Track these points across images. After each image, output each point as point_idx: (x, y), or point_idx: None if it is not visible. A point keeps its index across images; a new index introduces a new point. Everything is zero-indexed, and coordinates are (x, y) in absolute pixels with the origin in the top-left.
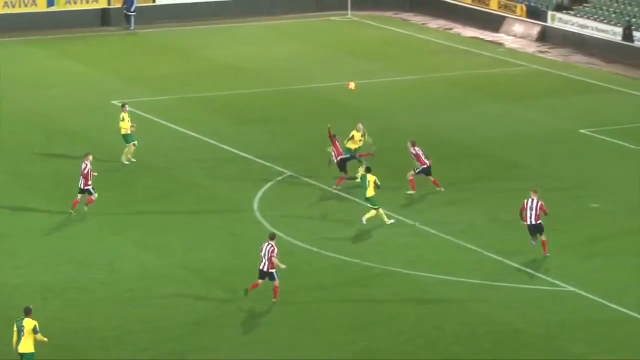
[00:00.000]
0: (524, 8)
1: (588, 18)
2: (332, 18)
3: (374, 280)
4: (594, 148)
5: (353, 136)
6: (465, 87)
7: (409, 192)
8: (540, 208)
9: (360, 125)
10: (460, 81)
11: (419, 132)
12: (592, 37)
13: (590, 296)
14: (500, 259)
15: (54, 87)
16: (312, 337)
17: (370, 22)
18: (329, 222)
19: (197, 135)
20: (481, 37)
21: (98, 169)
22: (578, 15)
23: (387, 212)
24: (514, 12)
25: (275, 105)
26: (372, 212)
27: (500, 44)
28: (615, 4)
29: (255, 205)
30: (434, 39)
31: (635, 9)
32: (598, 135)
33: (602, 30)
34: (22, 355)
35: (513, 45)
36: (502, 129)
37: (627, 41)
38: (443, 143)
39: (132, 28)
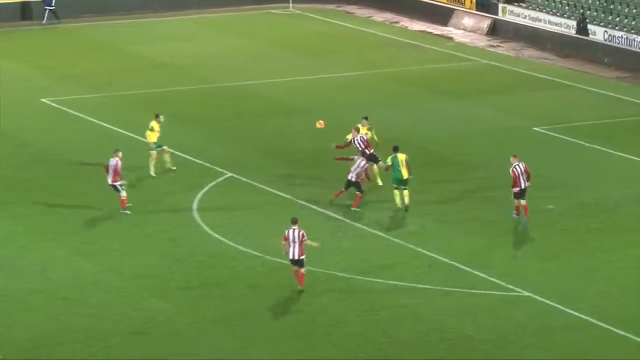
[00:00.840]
0: (474, 0)
1: (541, 11)
2: (272, 11)
3: (317, 285)
4: (548, 146)
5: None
6: (412, 83)
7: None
8: (526, 171)
9: (364, 121)
10: (407, 77)
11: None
12: (545, 30)
13: (546, 301)
14: (452, 263)
15: None
16: (255, 346)
17: (312, 15)
18: (270, 225)
19: (130, 135)
20: (429, 30)
21: (26, 172)
22: (530, 7)
23: (331, 213)
24: (463, 4)
25: (212, 103)
26: (407, 194)
27: (449, 38)
28: None
29: (195, 207)
30: (379, 33)
31: (590, 0)
32: (552, 133)
33: (556, 24)
34: None
35: (462, 40)
36: (453, 127)
37: (582, 35)
38: (391, 142)
39: (44, 22)
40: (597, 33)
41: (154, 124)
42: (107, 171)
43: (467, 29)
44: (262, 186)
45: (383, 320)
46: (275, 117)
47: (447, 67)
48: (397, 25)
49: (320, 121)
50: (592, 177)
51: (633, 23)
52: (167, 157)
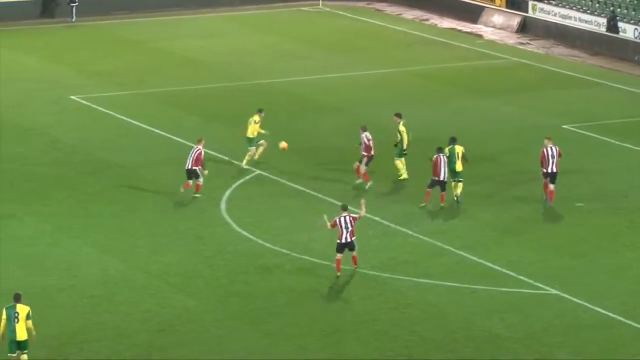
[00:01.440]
0: None
1: (571, 8)
2: (302, 9)
3: (345, 283)
4: (578, 144)
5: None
6: (442, 81)
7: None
8: (559, 155)
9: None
10: (436, 75)
11: (392, 127)
12: (575, 28)
13: (574, 299)
14: (480, 260)
15: (7, 82)
16: (283, 343)
17: (342, 13)
18: (298, 223)
19: (160, 132)
20: (459, 28)
21: (55, 168)
22: (560, 5)
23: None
24: (493, 2)
25: (240, 100)
26: (461, 185)
27: (479, 36)
28: None
29: (223, 205)
30: (409, 31)
31: None
32: (582, 131)
33: (586, 21)
34: (19, 343)
35: (492, 37)
36: (482, 124)
37: (612, 32)
38: (419, 139)
39: (73, 20)
40: (628, 31)
41: (256, 117)
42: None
43: (496, 26)
44: (290, 184)
45: (410, 318)
46: (305, 115)
47: (476, 64)
48: (426, 22)
49: (283, 142)
50: (622, 175)
51: None
52: (260, 151)
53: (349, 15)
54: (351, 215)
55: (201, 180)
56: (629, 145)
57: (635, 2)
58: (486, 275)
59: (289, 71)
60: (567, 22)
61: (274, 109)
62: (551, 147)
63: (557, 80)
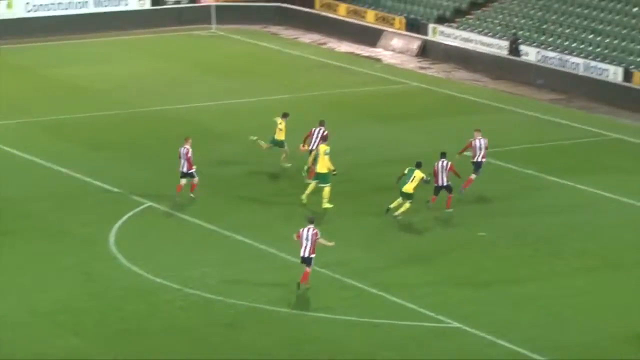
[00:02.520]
0: (403, 21)
1: (472, 31)
2: (195, 32)
3: (240, 319)
4: (485, 171)
5: None
6: (340, 106)
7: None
8: (486, 147)
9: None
10: (334, 100)
11: (289, 154)
12: (476, 51)
13: (478, 333)
14: (381, 293)
15: None
16: None
17: (236, 37)
18: (190, 256)
19: (43, 163)
20: (357, 52)
21: None
22: (461, 28)
23: (255, 243)
24: (392, 25)
25: (130, 128)
26: (407, 205)
27: (378, 60)
28: (501, 16)
29: (112, 239)
30: (306, 55)
31: (522, 20)
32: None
33: (487, 44)
34: None
35: (392, 61)
36: (383, 151)
37: (514, 56)
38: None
39: None
40: (530, 54)
41: (280, 120)
42: (180, 158)
43: (396, 50)
44: (183, 216)
45: (310, 354)
46: (200, 143)
47: (376, 89)
48: (324, 46)
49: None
50: (525, 203)
51: (566, 44)
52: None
53: (244, 39)
54: (315, 230)
55: (196, 179)
56: (531, 172)
57: (538, 24)
58: (387, 308)
59: (182, 97)
60: (468, 46)
61: (166, 137)
62: (479, 140)
63: (458, 105)
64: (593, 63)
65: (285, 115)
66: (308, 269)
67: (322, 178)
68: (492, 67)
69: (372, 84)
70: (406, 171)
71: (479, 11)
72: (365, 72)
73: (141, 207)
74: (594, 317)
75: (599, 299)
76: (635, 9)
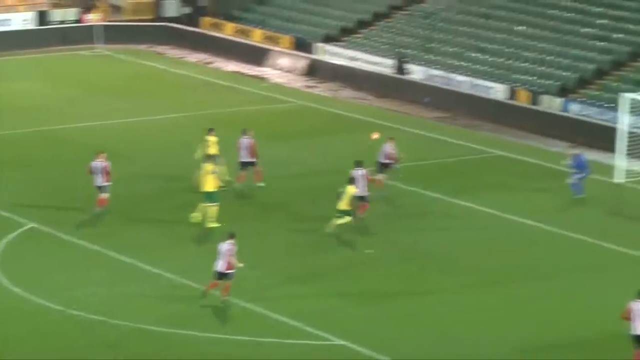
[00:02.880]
0: (290, 40)
1: (359, 50)
2: (80, 52)
3: (123, 339)
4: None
5: None
6: (227, 125)
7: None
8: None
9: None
10: (222, 119)
11: (176, 174)
12: (362, 70)
13: (361, 349)
14: (265, 311)
15: None
16: None
17: (122, 57)
18: (75, 277)
19: None
20: (244, 71)
21: None
22: (348, 47)
23: (139, 262)
24: (279, 44)
25: (15, 149)
26: (342, 221)
27: (264, 79)
28: (388, 35)
29: None
30: (193, 74)
31: (408, 40)
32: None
33: (373, 63)
34: None
35: (279, 80)
36: (270, 170)
37: (400, 74)
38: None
39: None
40: (416, 72)
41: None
42: (92, 173)
43: (283, 69)
44: (66, 237)
45: None
46: (85, 163)
47: (263, 108)
48: (210, 66)
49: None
50: (411, 220)
51: (452, 62)
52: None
53: (129, 58)
54: (232, 246)
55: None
56: (417, 189)
57: (423, 43)
58: (272, 327)
59: (69, 117)
60: (354, 64)
61: (49, 157)
62: (390, 145)
63: (344, 124)
64: (478, 81)
65: (211, 130)
66: (228, 283)
67: (209, 197)
68: (378, 85)
69: (259, 103)
70: (341, 189)
71: (366, 30)
72: (252, 91)
73: (24, 228)
74: (480, 333)
75: (485, 315)
76: (518, 28)
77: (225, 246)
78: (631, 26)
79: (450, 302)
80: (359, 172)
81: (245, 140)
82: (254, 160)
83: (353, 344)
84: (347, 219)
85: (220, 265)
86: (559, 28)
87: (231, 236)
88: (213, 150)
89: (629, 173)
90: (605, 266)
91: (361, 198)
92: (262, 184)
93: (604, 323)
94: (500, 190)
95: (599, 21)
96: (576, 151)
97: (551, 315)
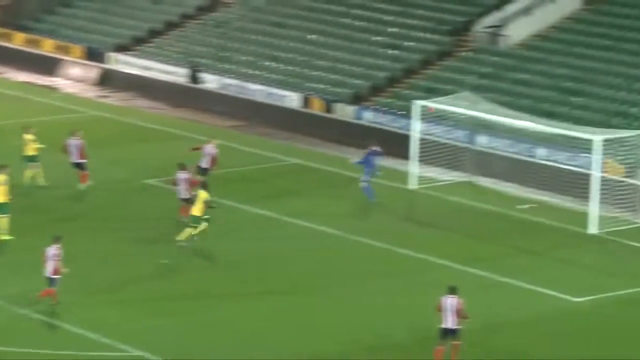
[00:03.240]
0: (82, 50)
1: (152, 60)
2: None
3: None
4: (158, 198)
5: None
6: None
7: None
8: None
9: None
10: (11, 130)
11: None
12: (156, 79)
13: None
14: (62, 324)
15: None
16: None
17: None
18: None
19: None
20: (35, 81)
21: None
22: (141, 56)
23: None
24: (70, 54)
25: None
26: (189, 231)
27: (56, 89)
28: (181, 44)
29: None
30: None
31: (202, 48)
32: (164, 185)
33: (168, 72)
34: None
35: (70, 90)
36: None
37: (195, 83)
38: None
39: None
40: (211, 82)
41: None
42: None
43: (75, 79)
44: None
45: None
46: None
47: (54, 119)
48: (0, 76)
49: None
50: (210, 229)
51: (246, 71)
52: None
53: None
54: (59, 250)
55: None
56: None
57: (217, 53)
58: (71, 340)
59: None
60: (148, 74)
61: None
62: (212, 147)
63: (138, 134)
64: (272, 90)
65: (28, 129)
66: (54, 289)
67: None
68: (172, 95)
69: (50, 114)
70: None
71: (159, 39)
72: (43, 102)
73: None
74: (277, 341)
75: (283, 323)
76: (311, 36)
77: (52, 250)
78: (421, 34)
79: (247, 311)
80: (182, 176)
81: (73, 142)
82: (84, 161)
83: (152, 355)
84: (203, 225)
85: (49, 271)
86: (351, 36)
87: (56, 240)
88: (31, 150)
89: (422, 179)
90: (399, 271)
91: (185, 200)
92: (85, 186)
93: (397, 328)
94: (297, 197)
95: (390, 29)
96: (368, 149)
97: (346, 321)
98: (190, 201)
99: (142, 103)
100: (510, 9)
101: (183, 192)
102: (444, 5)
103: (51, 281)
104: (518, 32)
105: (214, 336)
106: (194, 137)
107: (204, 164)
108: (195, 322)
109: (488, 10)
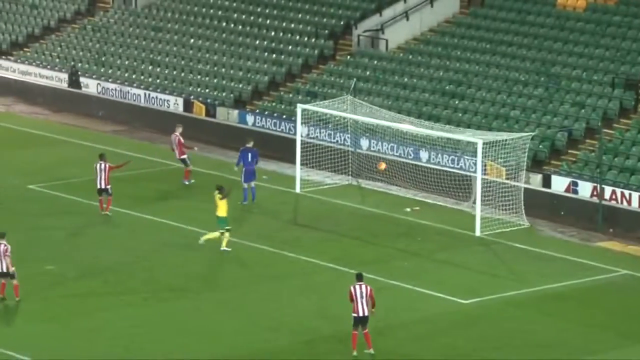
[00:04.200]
0: None
1: (30, 64)
2: None
3: None
4: (45, 204)
5: None
6: None
7: None
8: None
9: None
10: None
11: None
12: (36, 84)
13: None
14: None
15: None
16: None
17: None
18: None
19: None
20: None
21: None
22: (19, 61)
23: None
24: None
25: None
26: (227, 236)
27: None
28: (59, 48)
29: None
30: None
31: (81, 52)
32: (48, 191)
33: (47, 77)
34: None
35: None
36: None
37: (74, 88)
38: None
39: None
40: (90, 86)
41: None
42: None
43: None
44: None
45: None
46: None
47: None
48: None
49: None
50: (92, 235)
51: (126, 75)
52: None
53: None
54: (6, 245)
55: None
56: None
57: (97, 57)
58: None
59: None
60: (27, 78)
61: None
62: (177, 135)
63: (19, 139)
64: (154, 94)
65: None
66: (16, 282)
67: None
68: (53, 99)
69: None
70: None
71: (37, 44)
72: None
73: None
74: (163, 345)
75: (168, 327)
76: (192, 40)
77: (1, 247)
78: (301, 38)
79: (132, 317)
80: (99, 166)
81: None
82: None
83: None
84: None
85: (3, 266)
86: (232, 40)
87: (1, 236)
88: None
89: (306, 183)
90: (287, 275)
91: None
92: None
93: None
94: (181, 200)
95: (271, 33)
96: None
97: (232, 325)
98: (109, 192)
99: (21, 108)
100: (388, 13)
101: (103, 182)
102: (323, 10)
103: (7, 275)
104: (397, 35)
105: (97, 344)
106: (76, 142)
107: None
108: (78, 328)
109: (367, 14)
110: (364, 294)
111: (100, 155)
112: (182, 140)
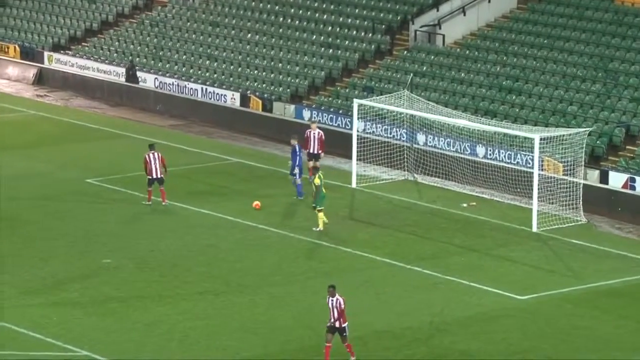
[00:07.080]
0: (18, 49)
1: (88, 58)
2: None
3: None
4: (102, 199)
5: None
6: None
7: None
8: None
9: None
10: None
11: None
12: (93, 78)
13: (103, 359)
14: (4, 324)
15: None
16: None
17: None
18: None
19: None
20: None
21: None
22: (77, 55)
23: None
24: (7, 53)
25: None
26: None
27: None
28: (117, 43)
29: None
30: None
31: (139, 47)
32: (106, 185)
33: (104, 71)
34: None
35: (8, 90)
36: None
37: (132, 82)
38: None
39: None
40: (148, 80)
41: None
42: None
43: (12, 78)
44: None
45: None
46: None
47: None
48: None
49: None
50: (149, 228)
51: (183, 69)
52: None
53: None
54: None
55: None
56: (158, 198)
57: (154, 51)
58: (13, 339)
59: None
60: (85, 73)
61: None
62: (312, 132)
63: (77, 133)
64: (211, 89)
65: None
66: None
67: None
68: (110, 94)
69: None
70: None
71: (95, 38)
72: None
73: None
74: (218, 340)
75: (223, 322)
76: (249, 35)
77: (157, 154)
78: (358, 33)
79: (188, 310)
80: (152, 156)
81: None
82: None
83: (97, 355)
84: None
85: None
86: (289, 35)
87: (152, 147)
88: None
89: (363, 178)
90: (342, 270)
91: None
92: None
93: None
94: (236, 196)
95: (327, 28)
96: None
97: (287, 321)
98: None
99: (80, 102)
100: (445, 8)
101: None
102: (380, 4)
103: None
104: (454, 31)
105: (154, 336)
106: (133, 136)
107: (312, 149)
108: (134, 321)
109: (424, 9)
110: (334, 306)
111: (150, 146)
112: (323, 136)
